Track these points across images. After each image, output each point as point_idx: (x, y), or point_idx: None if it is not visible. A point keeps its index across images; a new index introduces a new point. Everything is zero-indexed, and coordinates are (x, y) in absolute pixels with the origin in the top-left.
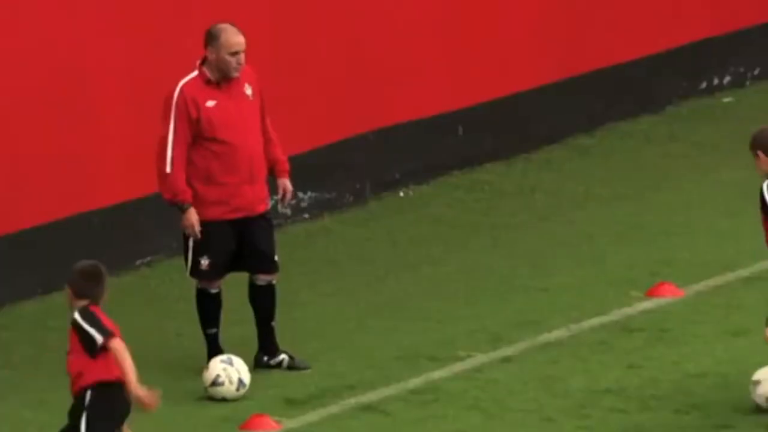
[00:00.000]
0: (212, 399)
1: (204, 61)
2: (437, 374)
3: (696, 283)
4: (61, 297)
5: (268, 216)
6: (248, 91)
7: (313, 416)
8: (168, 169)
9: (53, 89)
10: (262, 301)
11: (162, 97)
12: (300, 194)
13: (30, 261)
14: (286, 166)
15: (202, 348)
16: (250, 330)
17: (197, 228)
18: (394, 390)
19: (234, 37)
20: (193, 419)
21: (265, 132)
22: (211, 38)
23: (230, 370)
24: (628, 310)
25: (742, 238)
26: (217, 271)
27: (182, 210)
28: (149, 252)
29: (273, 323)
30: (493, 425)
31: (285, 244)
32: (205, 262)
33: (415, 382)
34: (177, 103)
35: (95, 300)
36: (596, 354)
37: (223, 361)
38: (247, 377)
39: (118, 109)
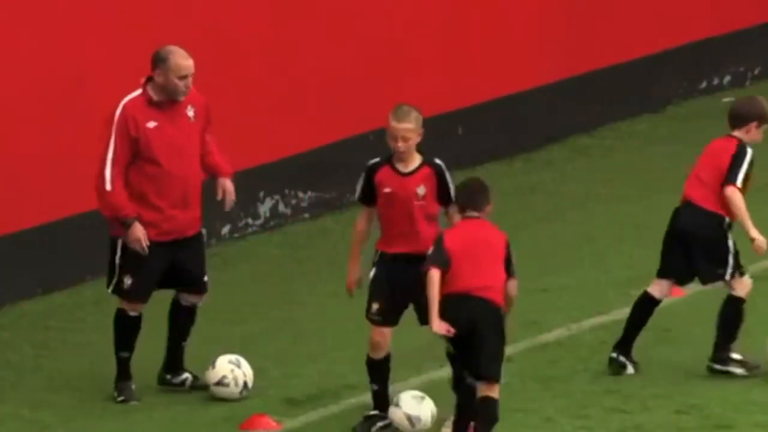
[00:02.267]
0: (212, 398)
1: (148, 81)
2: (437, 374)
3: (696, 283)
4: (61, 297)
5: (200, 236)
6: (190, 113)
7: (313, 416)
8: (108, 187)
9: (53, 89)
10: (182, 322)
11: None
12: (300, 194)
13: (30, 261)
14: (227, 168)
15: (202, 348)
16: (252, 329)
17: (144, 243)
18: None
19: (183, 61)
20: (193, 419)
21: (204, 145)
22: (159, 61)
23: (237, 373)
24: (628, 310)
25: (742, 238)
26: (139, 292)
27: (127, 225)
28: None
29: (184, 343)
30: None
31: (285, 244)
32: (128, 281)
33: (415, 382)
34: (118, 121)
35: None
36: (596, 354)
37: (231, 362)
38: (251, 381)
39: None
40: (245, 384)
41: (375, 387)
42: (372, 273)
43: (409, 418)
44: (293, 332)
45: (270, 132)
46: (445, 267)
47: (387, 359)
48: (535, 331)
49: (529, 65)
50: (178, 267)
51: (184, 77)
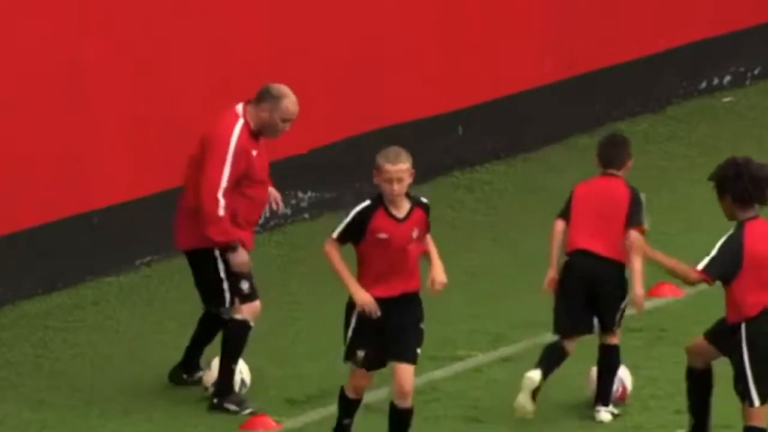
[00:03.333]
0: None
1: (246, 106)
2: (437, 374)
3: None
4: (61, 297)
5: None
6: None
7: (313, 416)
8: (221, 213)
9: (53, 89)
10: (217, 332)
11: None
12: (300, 194)
13: (30, 261)
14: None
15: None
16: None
17: (250, 264)
18: None
19: (293, 107)
20: (193, 419)
21: None
22: (269, 97)
23: None
24: (628, 310)
25: None
26: (256, 291)
27: (234, 248)
28: (149, 252)
29: (206, 347)
30: (493, 425)
31: (285, 244)
32: (245, 285)
33: (415, 381)
34: (235, 152)
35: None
36: (596, 354)
37: None
38: (248, 377)
39: (119, 109)
40: (242, 381)
41: (346, 421)
42: (353, 320)
43: None
44: (293, 332)
45: None
46: (567, 219)
47: (362, 399)
48: (536, 330)
49: (529, 65)
50: None
51: (287, 121)
